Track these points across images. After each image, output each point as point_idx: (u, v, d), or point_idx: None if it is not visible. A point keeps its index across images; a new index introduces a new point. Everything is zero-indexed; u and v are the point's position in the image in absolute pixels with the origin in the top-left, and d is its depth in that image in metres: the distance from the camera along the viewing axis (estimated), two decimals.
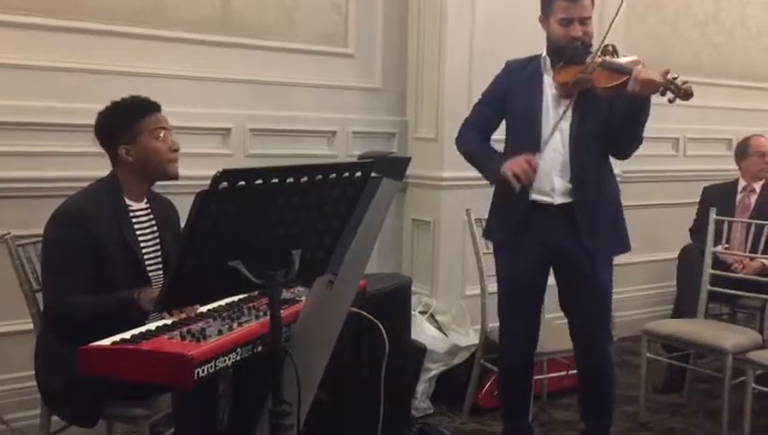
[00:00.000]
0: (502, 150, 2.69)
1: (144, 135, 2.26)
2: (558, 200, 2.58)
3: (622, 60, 2.51)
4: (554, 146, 2.56)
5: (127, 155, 2.27)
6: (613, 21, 2.56)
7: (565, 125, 2.56)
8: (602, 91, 2.47)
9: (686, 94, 2.36)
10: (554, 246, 2.60)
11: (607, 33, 2.54)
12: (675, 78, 2.38)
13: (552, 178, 2.57)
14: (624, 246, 2.71)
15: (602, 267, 2.63)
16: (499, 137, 2.76)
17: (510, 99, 2.65)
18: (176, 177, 2.34)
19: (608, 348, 2.70)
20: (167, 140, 2.29)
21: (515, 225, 2.60)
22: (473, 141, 2.71)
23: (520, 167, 2.45)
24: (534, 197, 2.58)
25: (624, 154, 2.68)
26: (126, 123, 2.26)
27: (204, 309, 2.04)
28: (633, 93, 2.38)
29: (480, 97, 2.77)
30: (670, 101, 2.41)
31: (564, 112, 2.53)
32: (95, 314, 2.09)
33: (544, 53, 2.63)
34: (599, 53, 2.49)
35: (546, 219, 2.58)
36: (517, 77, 2.66)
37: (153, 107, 2.30)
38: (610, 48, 2.55)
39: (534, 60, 2.66)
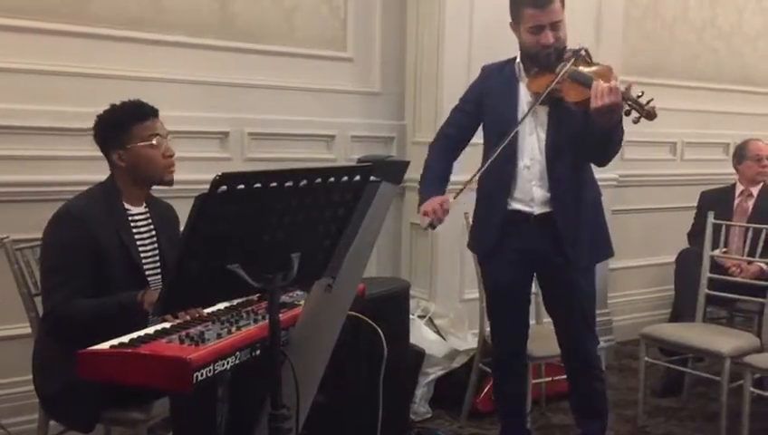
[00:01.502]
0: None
1: (136, 141, 2.25)
2: (537, 210, 2.57)
3: (591, 69, 2.45)
4: (532, 155, 2.55)
5: (119, 160, 2.27)
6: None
7: (542, 134, 2.55)
8: (570, 105, 2.45)
9: (650, 115, 2.32)
10: (536, 255, 2.61)
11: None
12: (638, 96, 2.33)
13: (531, 187, 2.56)
14: (606, 253, 2.73)
15: (584, 274, 2.64)
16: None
17: (486, 104, 2.64)
18: (171, 183, 2.34)
19: (593, 349, 2.71)
20: (160, 147, 2.28)
21: (495, 235, 2.61)
22: (432, 164, 2.66)
23: (431, 207, 2.43)
24: (514, 206, 2.58)
25: (602, 161, 2.61)
26: (119, 129, 2.26)
27: (204, 312, 2.04)
28: (598, 108, 2.31)
29: (458, 102, 2.75)
30: (635, 122, 2.36)
31: (530, 109, 2.49)
32: (97, 316, 2.09)
33: (518, 59, 2.60)
34: (571, 62, 2.45)
35: (527, 229, 2.58)
36: (493, 82, 2.65)
37: (149, 112, 2.29)
38: (583, 53, 2.50)
39: (509, 63, 2.63)
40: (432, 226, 2.45)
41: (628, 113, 2.36)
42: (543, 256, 2.59)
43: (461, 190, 2.44)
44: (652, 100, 2.33)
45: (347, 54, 3.67)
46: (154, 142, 2.26)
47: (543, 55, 2.48)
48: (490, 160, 2.48)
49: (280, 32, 3.46)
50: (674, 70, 4.70)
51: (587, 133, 2.46)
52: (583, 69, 2.47)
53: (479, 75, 2.73)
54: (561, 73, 2.44)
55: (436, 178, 2.63)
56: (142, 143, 2.25)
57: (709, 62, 4.93)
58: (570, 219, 2.56)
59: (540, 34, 2.46)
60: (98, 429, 2.28)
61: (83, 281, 2.15)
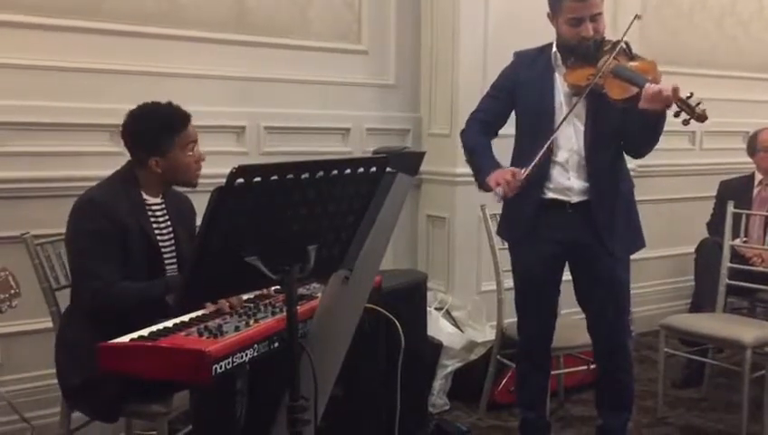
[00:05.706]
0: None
1: (176, 150, 2.29)
2: (575, 199, 2.56)
3: (635, 64, 2.44)
4: (570, 146, 2.54)
5: (156, 166, 2.29)
6: (628, 28, 2.50)
7: (580, 126, 2.53)
8: (614, 102, 2.42)
9: (701, 118, 2.28)
10: (571, 244, 2.59)
11: (623, 36, 2.48)
12: (688, 97, 2.30)
13: (568, 178, 2.55)
14: (639, 244, 2.70)
15: (620, 264, 2.62)
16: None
17: (521, 94, 2.61)
18: (196, 185, 2.38)
19: (627, 342, 2.69)
20: (195, 154, 2.33)
21: (528, 222, 2.59)
22: (476, 141, 2.66)
23: (503, 178, 2.40)
24: (549, 195, 2.57)
25: (639, 155, 2.64)
26: (159, 138, 2.27)
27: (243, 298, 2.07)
28: (645, 109, 2.32)
29: (489, 89, 2.73)
30: (684, 123, 2.33)
31: (574, 105, 2.48)
32: (144, 299, 2.13)
33: (554, 49, 2.58)
34: (612, 56, 2.42)
35: (562, 217, 2.56)
36: (528, 71, 2.62)
37: (185, 120, 2.32)
38: (624, 46, 2.49)
39: (545, 51, 2.60)
40: (504, 198, 2.43)
41: (677, 115, 2.33)
42: (580, 245, 2.57)
43: (532, 166, 2.40)
44: (701, 102, 2.30)
45: (362, 47, 3.67)
46: (192, 153, 2.31)
47: (583, 47, 2.46)
48: (546, 146, 2.44)
49: (295, 25, 3.47)
50: (692, 58, 4.64)
51: (625, 127, 2.45)
52: (626, 64, 2.44)
53: (511, 62, 2.69)
54: (603, 68, 2.42)
55: (488, 151, 2.60)
56: (181, 152, 2.29)
57: (728, 49, 4.86)
58: (606, 208, 2.55)
59: (579, 27, 2.45)
60: (120, 422, 2.30)
61: (116, 265, 2.18)
